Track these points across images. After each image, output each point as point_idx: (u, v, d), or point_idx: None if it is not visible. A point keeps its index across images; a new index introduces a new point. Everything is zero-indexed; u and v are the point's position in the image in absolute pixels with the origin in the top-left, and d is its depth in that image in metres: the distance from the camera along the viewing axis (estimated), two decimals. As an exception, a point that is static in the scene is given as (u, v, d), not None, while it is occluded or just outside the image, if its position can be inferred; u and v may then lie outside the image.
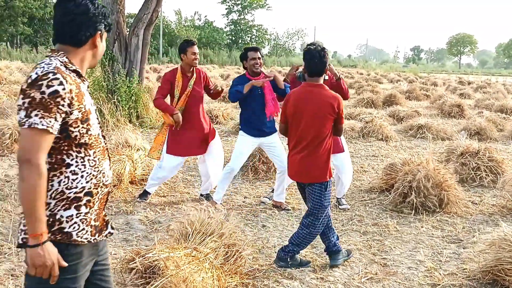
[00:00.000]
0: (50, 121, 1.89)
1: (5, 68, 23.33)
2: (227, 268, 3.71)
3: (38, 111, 1.86)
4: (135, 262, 3.23)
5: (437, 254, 4.63)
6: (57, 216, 1.99)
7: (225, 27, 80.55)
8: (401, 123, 12.70)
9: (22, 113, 1.87)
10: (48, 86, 1.88)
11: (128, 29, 11.19)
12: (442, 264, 4.42)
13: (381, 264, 4.40)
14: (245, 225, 5.17)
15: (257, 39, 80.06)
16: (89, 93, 2.15)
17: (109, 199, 5.74)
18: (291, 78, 5.68)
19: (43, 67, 1.94)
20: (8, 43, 54.48)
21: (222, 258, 3.71)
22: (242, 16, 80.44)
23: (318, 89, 3.99)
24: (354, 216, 5.67)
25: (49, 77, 1.90)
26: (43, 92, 1.87)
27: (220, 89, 5.81)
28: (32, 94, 1.86)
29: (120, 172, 6.03)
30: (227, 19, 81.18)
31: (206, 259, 3.47)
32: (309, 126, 3.96)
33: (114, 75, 10.49)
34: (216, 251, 3.68)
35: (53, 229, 1.98)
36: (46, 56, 2.06)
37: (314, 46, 4.03)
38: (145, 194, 5.93)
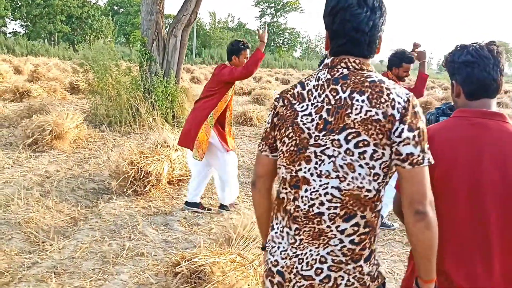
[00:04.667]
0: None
1: (43, 65, 23.77)
2: (271, 276, 3.64)
3: (426, 143, 1.64)
4: (181, 267, 3.19)
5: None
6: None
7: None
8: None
9: (416, 149, 1.60)
10: (421, 113, 1.67)
11: (167, 30, 11.25)
12: None
13: (426, 278, 4.26)
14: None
15: (289, 42, 79.99)
16: None
17: (147, 199, 5.78)
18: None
19: (399, 89, 1.68)
20: (46, 40, 55.65)
21: (266, 265, 3.64)
22: (275, 19, 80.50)
23: (499, 122, 1.93)
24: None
25: (416, 102, 1.67)
26: (423, 121, 1.65)
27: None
28: (419, 125, 1.62)
29: (159, 172, 6.02)
30: (260, 22, 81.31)
31: (250, 265, 3.41)
32: (482, 205, 1.85)
33: (152, 75, 10.54)
34: (260, 257, 3.61)
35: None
36: (352, 68, 1.73)
37: (475, 44, 2.01)
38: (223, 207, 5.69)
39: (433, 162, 1.63)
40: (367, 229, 1.68)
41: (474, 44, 2.00)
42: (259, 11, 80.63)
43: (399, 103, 1.62)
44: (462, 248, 1.88)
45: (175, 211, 5.52)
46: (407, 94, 1.65)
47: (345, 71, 1.71)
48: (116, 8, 66.83)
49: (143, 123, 9.91)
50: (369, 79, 1.67)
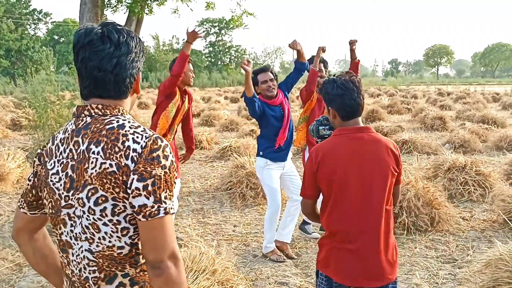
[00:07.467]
0: (173, 201, 1.55)
1: (-17, 102, 23.03)
2: (222, 306, 3.60)
3: (165, 192, 1.49)
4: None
5: (433, 276, 4.57)
6: None
7: (204, 49, 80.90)
8: (385, 138, 12.70)
9: (149, 200, 1.47)
10: (165, 157, 1.52)
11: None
12: (439, 286, 4.36)
13: (377, 290, 4.31)
14: (236, 255, 5.07)
15: (236, 59, 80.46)
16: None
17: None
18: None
19: (141, 133, 1.54)
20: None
21: (216, 296, 3.60)
22: (220, 38, 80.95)
23: (369, 133, 2.62)
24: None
25: (160, 144, 1.53)
26: (164, 166, 1.50)
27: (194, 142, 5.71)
28: (155, 172, 1.48)
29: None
30: (205, 41, 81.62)
31: (199, 299, 3.36)
32: (370, 197, 2.54)
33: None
34: (209, 289, 3.58)
35: None
36: (96, 115, 1.58)
37: (340, 77, 2.67)
38: None
39: (173, 212, 1.52)
40: (136, 287, 1.59)
41: (340, 78, 2.65)
42: (204, 31, 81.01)
43: (134, 150, 1.50)
44: (355, 228, 2.53)
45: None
46: (147, 138, 1.53)
47: (88, 119, 1.58)
48: (56, 37, 65.73)
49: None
50: (108, 126, 1.54)
